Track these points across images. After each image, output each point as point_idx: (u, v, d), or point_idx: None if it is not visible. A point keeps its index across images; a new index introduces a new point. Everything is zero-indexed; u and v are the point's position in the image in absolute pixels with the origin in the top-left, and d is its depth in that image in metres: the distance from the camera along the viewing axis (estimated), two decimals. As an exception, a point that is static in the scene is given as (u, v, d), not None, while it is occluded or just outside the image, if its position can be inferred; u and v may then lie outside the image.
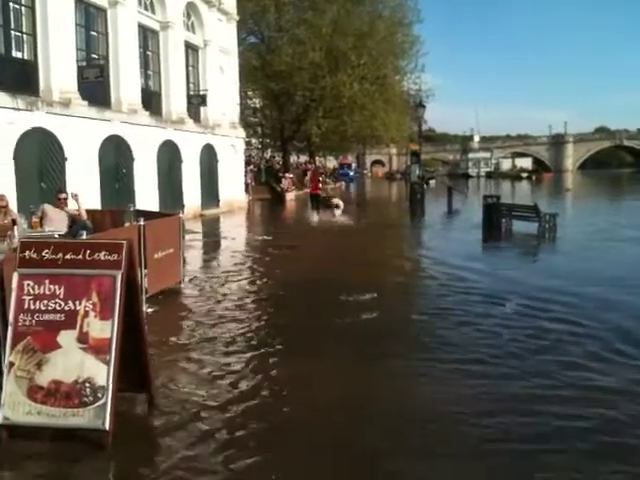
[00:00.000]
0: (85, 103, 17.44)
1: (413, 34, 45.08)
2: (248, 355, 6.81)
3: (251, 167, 40.91)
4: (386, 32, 40.45)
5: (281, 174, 40.61)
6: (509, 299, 9.17)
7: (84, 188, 16.68)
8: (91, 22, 19.29)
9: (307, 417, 5.15)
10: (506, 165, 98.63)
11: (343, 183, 61.24)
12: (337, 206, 26.51)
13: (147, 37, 22.58)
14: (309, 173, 37.15)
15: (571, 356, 6.56)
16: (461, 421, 5.02)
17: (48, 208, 10.18)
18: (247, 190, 33.03)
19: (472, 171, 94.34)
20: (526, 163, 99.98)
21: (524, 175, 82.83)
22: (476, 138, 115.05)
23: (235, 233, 19.79)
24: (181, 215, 11.02)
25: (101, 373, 4.57)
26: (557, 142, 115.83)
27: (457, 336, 7.41)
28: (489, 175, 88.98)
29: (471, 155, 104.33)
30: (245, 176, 33.47)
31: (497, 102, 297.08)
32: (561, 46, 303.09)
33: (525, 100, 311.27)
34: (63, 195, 10.44)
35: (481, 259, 13.92)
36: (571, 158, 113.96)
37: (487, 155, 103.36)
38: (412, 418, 5.13)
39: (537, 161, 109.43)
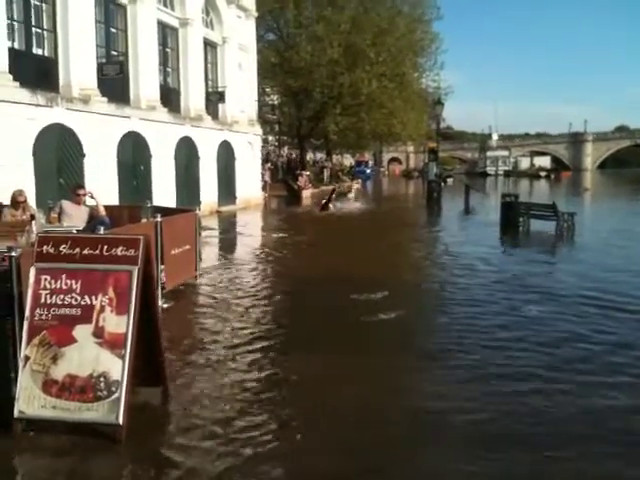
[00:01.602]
0: (104, 99, 17.57)
1: (432, 31, 44.97)
2: (261, 350, 6.81)
3: (268, 164, 41.01)
4: (405, 29, 40.27)
5: (298, 171, 40.61)
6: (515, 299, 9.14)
7: (102, 184, 16.89)
8: (111, 19, 19.43)
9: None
10: (524, 164, 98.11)
11: (360, 181, 61.13)
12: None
13: (166, 34, 22.68)
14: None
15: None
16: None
17: (66, 204, 10.24)
18: (264, 187, 33.09)
19: (490, 169, 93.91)
20: (545, 162, 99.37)
21: (542, 174, 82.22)
22: (494, 136, 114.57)
23: (251, 230, 19.85)
24: (198, 212, 11.05)
25: (116, 367, 4.59)
26: (576, 141, 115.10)
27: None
28: (507, 174, 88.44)
29: (489, 153, 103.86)
30: (262, 173, 33.54)
31: (516, 99, 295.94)
32: (581, 42, 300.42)
33: (544, 97, 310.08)
34: (82, 191, 10.48)
35: (497, 259, 13.82)
36: (590, 157, 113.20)
37: (505, 153, 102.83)
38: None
39: (556, 160, 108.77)
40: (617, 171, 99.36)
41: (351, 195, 26.94)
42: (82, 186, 11.21)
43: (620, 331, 7.54)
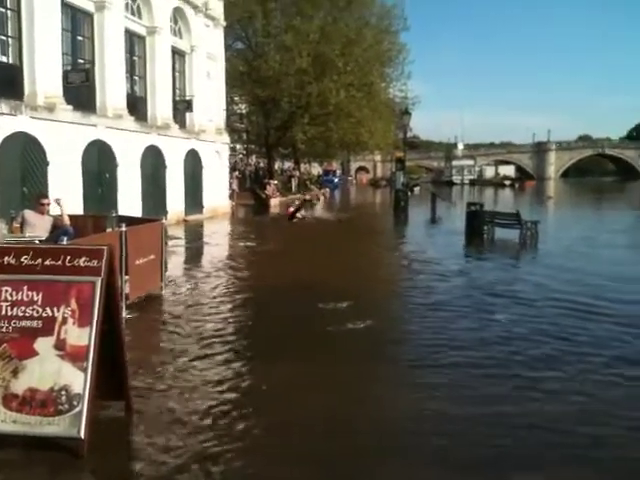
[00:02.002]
0: (70, 108, 17.37)
1: (399, 42, 45.43)
2: (227, 361, 6.80)
3: (236, 173, 40.88)
4: (373, 40, 40.62)
5: (266, 180, 40.61)
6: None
7: (66, 193, 16.64)
8: (77, 26, 19.24)
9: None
10: (489, 173, 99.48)
11: (328, 190, 61.28)
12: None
13: (134, 42, 22.54)
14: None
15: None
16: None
17: (29, 214, 10.11)
18: (232, 196, 33.00)
19: (456, 178, 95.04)
20: (509, 171, 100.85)
21: (507, 183, 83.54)
22: (460, 146, 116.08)
23: (218, 239, 19.78)
24: (164, 221, 11.00)
25: (78, 380, 4.55)
26: (540, 150, 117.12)
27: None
28: (473, 182, 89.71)
29: (455, 163, 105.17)
30: (230, 182, 33.45)
31: (481, 110, 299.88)
32: (547, 53, 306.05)
33: (509, 107, 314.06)
34: (45, 200, 10.35)
35: (463, 266, 14.00)
36: (553, 166, 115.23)
37: (471, 163, 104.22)
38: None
39: (520, 169, 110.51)
40: (580, 180, 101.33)
41: (317, 204, 27.23)
42: (46, 195, 11.09)
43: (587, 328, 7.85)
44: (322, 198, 29.27)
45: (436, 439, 4.90)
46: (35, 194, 12.43)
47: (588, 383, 6.13)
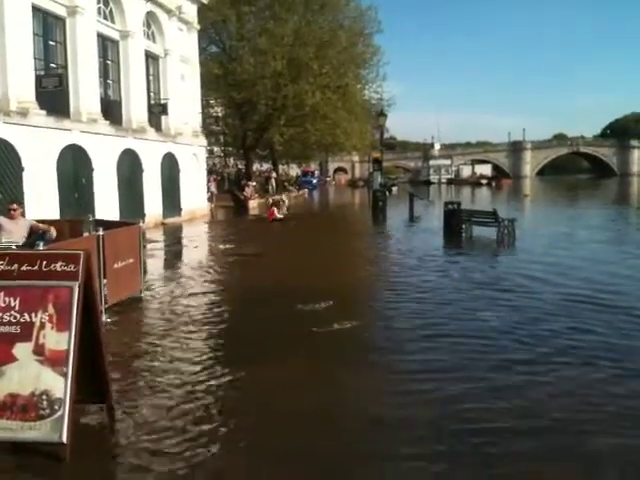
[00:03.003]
0: (43, 112, 17.21)
1: (374, 44, 45.62)
2: (208, 363, 6.81)
3: (214, 175, 40.75)
4: (347, 42, 40.73)
5: (244, 182, 40.53)
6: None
7: (42, 198, 16.57)
8: (49, 31, 19.05)
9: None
10: (466, 172, 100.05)
11: (306, 191, 61.33)
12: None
13: (107, 46, 22.38)
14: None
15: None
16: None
17: (2, 220, 10.04)
18: (210, 198, 32.90)
19: (433, 178, 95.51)
20: (486, 170, 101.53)
21: (484, 182, 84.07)
22: (437, 146, 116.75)
23: (197, 241, 19.70)
24: (142, 224, 10.97)
25: (58, 385, 4.54)
26: (515, 149, 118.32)
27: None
28: (450, 182, 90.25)
29: (432, 162, 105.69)
30: (208, 184, 33.36)
31: (457, 109, 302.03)
32: (522, 52, 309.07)
33: (485, 107, 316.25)
34: (13, 206, 10.32)
35: (441, 265, 14.12)
36: (529, 165, 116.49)
37: (447, 162, 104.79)
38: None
39: (496, 168, 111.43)
40: (555, 178, 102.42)
41: (283, 207, 27.63)
42: (14, 201, 11.01)
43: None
44: (286, 201, 30.09)
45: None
46: (6, 201, 12.33)
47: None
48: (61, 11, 19.23)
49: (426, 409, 5.47)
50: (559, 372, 6.38)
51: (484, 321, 8.48)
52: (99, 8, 21.49)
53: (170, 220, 25.00)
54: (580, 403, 5.60)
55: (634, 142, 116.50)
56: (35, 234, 9.87)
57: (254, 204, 35.56)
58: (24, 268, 4.79)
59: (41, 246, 6.86)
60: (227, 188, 42.36)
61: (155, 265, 14.30)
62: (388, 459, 4.59)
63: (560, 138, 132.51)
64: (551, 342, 7.40)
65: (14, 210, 10.22)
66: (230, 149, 53.54)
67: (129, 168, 22.27)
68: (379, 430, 5.13)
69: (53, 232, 9.95)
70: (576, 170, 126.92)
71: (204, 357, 7.06)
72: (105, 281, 8.55)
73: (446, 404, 5.56)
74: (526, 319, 8.54)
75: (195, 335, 7.99)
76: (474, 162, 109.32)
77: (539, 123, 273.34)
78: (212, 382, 6.24)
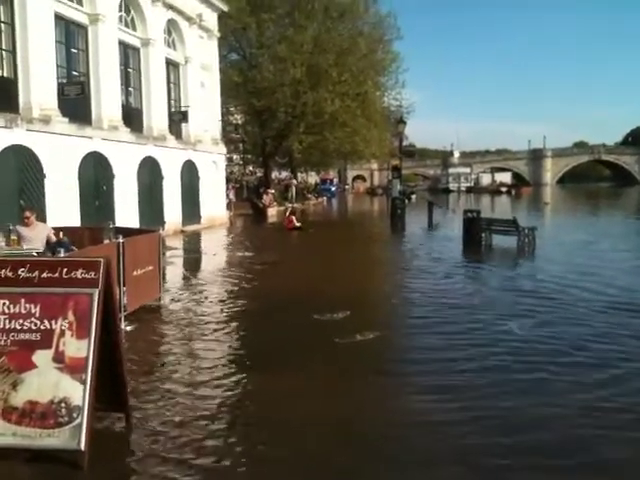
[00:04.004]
0: (65, 120, 17.39)
1: (393, 51, 45.63)
2: (225, 372, 6.79)
3: (232, 183, 40.92)
4: (366, 49, 40.80)
5: (262, 190, 40.64)
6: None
7: (63, 205, 16.70)
8: (71, 39, 19.28)
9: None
10: (486, 180, 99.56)
11: (325, 198, 61.40)
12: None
13: (128, 54, 22.59)
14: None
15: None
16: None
17: (21, 229, 10.15)
18: (229, 206, 33.01)
19: (452, 186, 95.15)
20: (505, 178, 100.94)
21: (503, 190, 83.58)
22: (456, 154, 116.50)
23: (216, 249, 19.74)
24: (161, 232, 11.00)
25: (77, 393, 4.53)
26: (536, 157, 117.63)
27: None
28: (469, 190, 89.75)
29: (451, 170, 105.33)
30: (227, 192, 33.49)
31: (477, 117, 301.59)
32: (541, 60, 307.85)
33: (504, 114, 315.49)
34: (27, 213, 10.44)
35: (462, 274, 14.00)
36: (550, 172, 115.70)
37: (467, 170, 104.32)
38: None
39: (516, 175, 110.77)
40: (576, 186, 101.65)
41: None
42: (27, 208, 11.14)
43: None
44: (296, 211, 30.42)
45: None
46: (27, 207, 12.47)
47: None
48: (83, 19, 19.45)
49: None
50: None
51: (506, 332, 8.34)
52: (120, 16, 21.70)
53: (189, 228, 25.10)
54: None
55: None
56: (54, 242, 9.95)
57: (273, 212, 35.62)
58: (45, 275, 4.79)
59: (62, 253, 6.90)
60: (246, 196, 42.52)
61: (174, 272, 14.33)
62: None
63: (581, 146, 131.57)
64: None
65: (27, 218, 10.32)
66: (249, 157, 53.75)
67: (149, 175, 22.40)
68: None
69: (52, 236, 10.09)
70: (597, 178, 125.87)
71: (223, 367, 7.01)
72: (125, 288, 8.56)
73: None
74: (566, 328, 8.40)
75: (213, 345, 7.95)
76: (494, 170, 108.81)
77: (559, 130, 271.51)
78: (233, 392, 6.20)
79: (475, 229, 18.56)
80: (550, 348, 7.44)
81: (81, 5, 19.38)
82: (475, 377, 6.45)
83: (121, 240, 8.66)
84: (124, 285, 8.57)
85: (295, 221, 25.95)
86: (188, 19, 26.25)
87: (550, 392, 6.02)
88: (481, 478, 4.44)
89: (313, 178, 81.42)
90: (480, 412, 5.53)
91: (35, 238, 9.89)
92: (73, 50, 19.40)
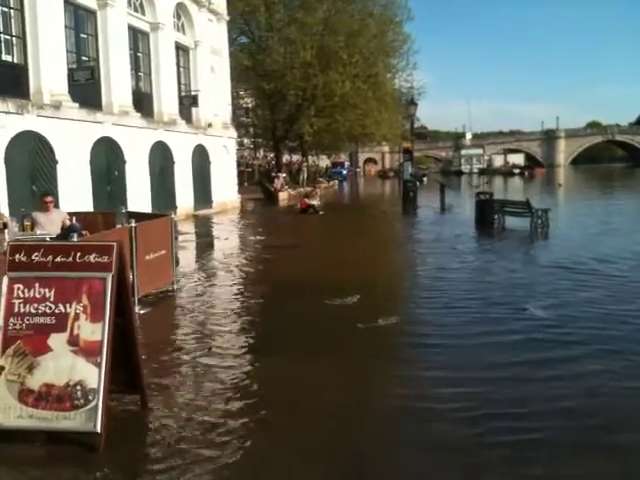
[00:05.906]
0: (76, 105, 17.40)
1: (404, 32, 45.03)
2: (238, 356, 6.81)
3: (245, 167, 40.91)
4: (377, 30, 40.33)
5: (274, 174, 40.57)
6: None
7: (75, 190, 16.76)
8: (81, 24, 19.25)
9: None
10: (498, 161, 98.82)
11: (336, 182, 61.27)
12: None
13: (137, 38, 22.55)
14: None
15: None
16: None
17: (37, 215, 10.18)
18: (240, 190, 33.01)
19: (465, 168, 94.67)
20: (518, 159, 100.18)
21: (516, 171, 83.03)
22: (468, 135, 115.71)
23: (228, 233, 19.77)
24: (173, 216, 10.99)
25: (92, 375, 4.56)
26: (549, 138, 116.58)
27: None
28: (482, 172, 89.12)
29: (463, 152, 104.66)
30: (238, 176, 33.47)
31: (489, 98, 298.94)
32: (553, 40, 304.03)
33: (517, 95, 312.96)
34: (48, 198, 10.46)
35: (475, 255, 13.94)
36: (563, 153, 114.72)
37: (479, 152, 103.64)
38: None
39: (529, 157, 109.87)
40: (590, 167, 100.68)
41: (317, 196, 27.16)
42: (48, 193, 11.15)
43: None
44: (318, 192, 29.96)
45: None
46: (39, 193, 12.49)
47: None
48: (92, 4, 19.40)
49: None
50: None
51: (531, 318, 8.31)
52: (129, 0, 21.62)
53: (201, 212, 25.15)
54: None
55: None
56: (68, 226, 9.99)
57: (284, 196, 35.58)
58: (59, 259, 4.80)
59: (75, 238, 6.92)
60: (257, 180, 42.47)
61: (187, 257, 14.36)
62: None
63: (594, 126, 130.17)
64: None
65: (50, 202, 10.36)
66: (260, 140, 53.62)
67: (160, 160, 22.43)
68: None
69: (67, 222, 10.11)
70: (611, 159, 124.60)
71: (235, 348, 7.04)
72: (137, 272, 8.59)
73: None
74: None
75: (227, 328, 7.97)
76: (506, 151, 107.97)
77: (572, 111, 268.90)
78: (248, 376, 6.22)
79: (488, 211, 18.48)
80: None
81: (90, -10, 19.33)
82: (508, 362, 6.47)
83: (133, 224, 8.67)
84: (137, 269, 8.60)
85: (310, 202, 25.68)
86: (197, 2, 26.15)
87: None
88: None
89: (324, 162, 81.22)
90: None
91: (51, 223, 9.93)
92: (82, 35, 19.37)
